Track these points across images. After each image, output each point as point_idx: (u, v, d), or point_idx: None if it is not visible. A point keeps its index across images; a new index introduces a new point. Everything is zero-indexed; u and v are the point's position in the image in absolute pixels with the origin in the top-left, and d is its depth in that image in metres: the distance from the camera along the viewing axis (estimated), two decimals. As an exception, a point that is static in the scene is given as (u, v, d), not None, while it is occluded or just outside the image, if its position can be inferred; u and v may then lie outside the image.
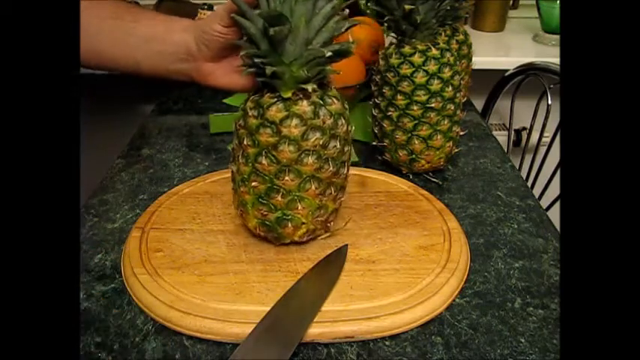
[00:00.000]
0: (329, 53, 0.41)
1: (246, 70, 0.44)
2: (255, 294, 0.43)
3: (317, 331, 0.40)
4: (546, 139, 1.01)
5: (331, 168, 0.45)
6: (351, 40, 0.46)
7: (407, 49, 0.58)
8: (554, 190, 0.97)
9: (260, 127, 0.43)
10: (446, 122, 0.60)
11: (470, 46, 0.77)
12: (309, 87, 0.43)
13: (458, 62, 0.61)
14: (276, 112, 0.43)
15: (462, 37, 0.75)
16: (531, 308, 0.43)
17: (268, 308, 0.41)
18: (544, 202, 0.80)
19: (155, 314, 0.42)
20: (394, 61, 0.58)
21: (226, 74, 0.52)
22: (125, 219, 0.56)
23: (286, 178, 0.44)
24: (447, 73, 0.58)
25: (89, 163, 0.77)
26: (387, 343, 0.40)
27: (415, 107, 0.58)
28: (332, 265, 0.46)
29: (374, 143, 0.65)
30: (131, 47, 0.54)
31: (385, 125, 0.61)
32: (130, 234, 0.50)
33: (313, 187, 0.45)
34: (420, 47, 0.58)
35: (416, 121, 0.59)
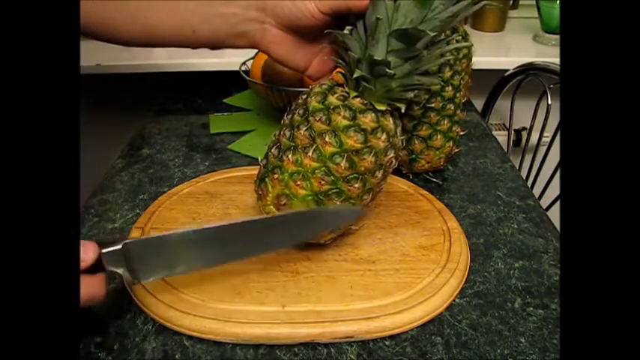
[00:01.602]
0: (440, 84, 0.41)
1: (356, 72, 0.42)
2: (255, 294, 0.43)
3: (317, 331, 0.40)
4: (546, 139, 1.01)
5: (383, 184, 0.46)
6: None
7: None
8: (554, 190, 0.97)
9: (350, 130, 0.42)
10: (446, 122, 0.60)
11: (470, 46, 0.77)
12: (402, 106, 0.43)
13: (458, 62, 0.61)
14: (370, 120, 0.42)
15: (461, 37, 0.75)
16: (531, 308, 0.43)
17: (268, 308, 0.41)
18: (544, 202, 0.80)
19: (155, 314, 0.42)
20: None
21: (293, 49, 0.49)
22: (125, 219, 0.56)
23: (355, 185, 0.43)
24: (446, 73, 0.58)
25: (89, 163, 0.77)
26: (387, 343, 0.40)
27: (415, 107, 0.58)
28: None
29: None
30: (188, 14, 0.49)
31: (385, 125, 0.61)
32: (130, 234, 0.50)
33: (368, 199, 0.45)
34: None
35: (416, 121, 0.59)
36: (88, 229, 0.54)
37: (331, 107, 0.43)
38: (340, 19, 0.45)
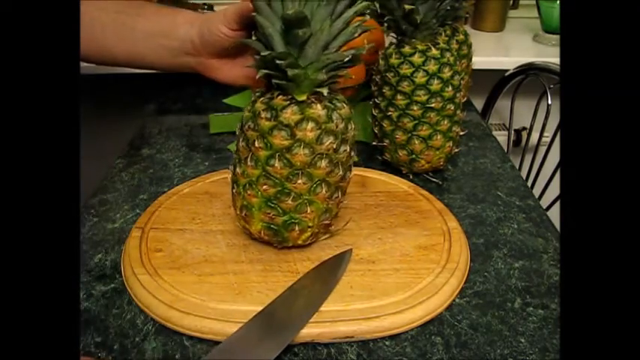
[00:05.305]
0: (347, 58, 0.42)
1: (260, 72, 0.42)
2: (255, 294, 0.43)
3: (317, 331, 0.40)
4: (546, 139, 1.01)
5: (340, 172, 0.45)
6: (366, 44, 0.46)
7: (407, 49, 0.58)
8: (554, 190, 0.97)
9: (274, 130, 0.42)
10: (446, 122, 0.60)
11: (470, 46, 0.77)
12: (324, 91, 0.43)
13: (458, 62, 0.61)
14: (291, 114, 0.42)
15: (462, 37, 0.75)
16: (531, 308, 0.43)
17: (268, 308, 0.41)
18: (544, 202, 0.80)
19: (155, 314, 0.42)
20: (394, 61, 0.58)
21: (232, 70, 0.53)
22: (125, 219, 0.56)
23: (299, 181, 0.43)
24: (447, 73, 0.58)
25: (89, 163, 0.77)
26: (387, 343, 0.40)
27: (415, 107, 0.58)
28: (335, 267, 0.46)
29: (374, 143, 0.65)
30: (136, 41, 0.53)
31: (385, 125, 0.61)
32: (130, 234, 0.50)
33: (324, 191, 0.45)
34: (419, 47, 0.58)
35: (416, 121, 0.59)
36: (88, 229, 0.54)
37: (257, 113, 0.43)
38: (254, 28, 0.45)
